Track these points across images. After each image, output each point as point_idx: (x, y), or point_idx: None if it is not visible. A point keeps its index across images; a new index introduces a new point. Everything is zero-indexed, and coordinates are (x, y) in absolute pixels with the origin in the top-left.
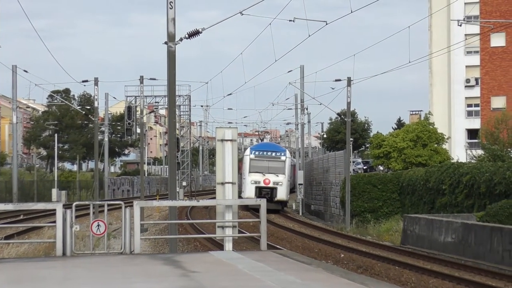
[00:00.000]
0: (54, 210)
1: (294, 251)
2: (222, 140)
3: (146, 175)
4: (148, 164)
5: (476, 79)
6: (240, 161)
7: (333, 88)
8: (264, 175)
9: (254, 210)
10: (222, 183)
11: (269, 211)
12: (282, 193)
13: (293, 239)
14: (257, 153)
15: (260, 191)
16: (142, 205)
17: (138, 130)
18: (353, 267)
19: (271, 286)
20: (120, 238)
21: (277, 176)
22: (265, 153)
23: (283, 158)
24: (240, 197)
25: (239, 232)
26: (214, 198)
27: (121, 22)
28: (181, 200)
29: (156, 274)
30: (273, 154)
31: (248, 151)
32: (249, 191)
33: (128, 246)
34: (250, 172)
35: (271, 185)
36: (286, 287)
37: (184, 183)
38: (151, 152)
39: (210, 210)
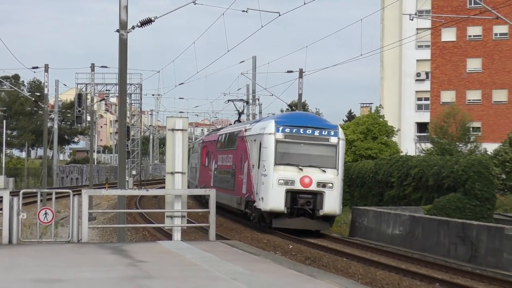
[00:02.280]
0: (1, 197)
1: (242, 242)
2: (172, 130)
3: (95, 164)
4: (98, 152)
5: (427, 73)
6: (227, 140)
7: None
8: (301, 169)
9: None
10: (172, 173)
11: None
12: (332, 203)
13: (242, 230)
14: (288, 130)
15: (295, 199)
16: (91, 193)
17: (88, 118)
18: (301, 258)
19: (219, 277)
20: (68, 227)
21: (324, 172)
22: (302, 130)
23: (333, 140)
24: (252, 206)
25: (188, 222)
26: (164, 187)
27: (74, 8)
28: (130, 189)
29: (103, 263)
30: (317, 132)
31: (270, 127)
32: (275, 199)
33: (75, 235)
34: (276, 164)
35: (313, 187)
36: (234, 277)
37: (134, 172)
38: (101, 140)
39: (159, 199)
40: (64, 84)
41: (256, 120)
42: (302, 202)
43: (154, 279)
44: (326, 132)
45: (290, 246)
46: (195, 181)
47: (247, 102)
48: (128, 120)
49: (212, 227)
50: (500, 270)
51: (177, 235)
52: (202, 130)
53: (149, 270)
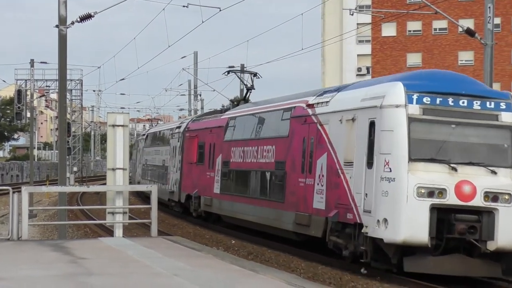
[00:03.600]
0: None
1: (185, 238)
2: (113, 126)
3: (36, 160)
4: (39, 149)
5: (367, 68)
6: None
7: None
8: (454, 170)
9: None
10: (113, 169)
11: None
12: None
13: (184, 226)
14: (428, 99)
15: (448, 223)
16: (31, 190)
17: (28, 115)
18: (243, 254)
19: (161, 273)
20: (8, 224)
21: (495, 174)
22: (451, 100)
23: (507, 117)
24: (349, 234)
25: (130, 218)
26: (106, 183)
27: (13, 4)
28: (71, 185)
29: (43, 260)
30: (477, 104)
31: (396, 93)
32: (412, 222)
33: (15, 232)
34: (412, 159)
35: (478, 201)
36: (175, 273)
37: (75, 169)
38: (41, 136)
39: (101, 196)
40: (3, 80)
41: (332, 88)
42: (461, 228)
43: (94, 276)
44: (493, 103)
45: (233, 242)
46: (165, 186)
47: (255, 75)
48: (68, 116)
49: (154, 223)
50: None
51: (118, 232)
52: (144, 125)
53: (89, 267)
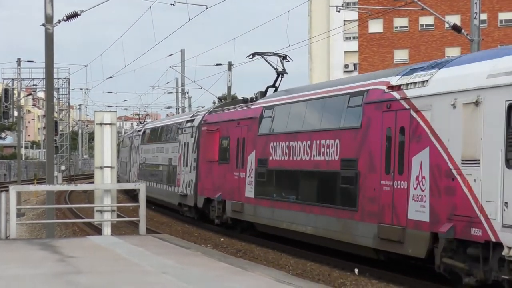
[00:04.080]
0: None
1: (173, 236)
2: (101, 124)
3: (23, 159)
4: (26, 147)
5: (355, 65)
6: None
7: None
8: None
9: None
10: (101, 167)
11: None
12: None
13: (173, 224)
14: None
15: None
16: (19, 189)
17: (16, 113)
18: (232, 251)
19: (149, 271)
20: None
21: None
22: None
23: None
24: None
25: (118, 216)
26: (93, 182)
27: None
28: (59, 184)
29: (32, 259)
30: None
31: None
32: None
33: (3, 231)
34: None
35: None
36: (164, 271)
37: (63, 167)
38: (29, 135)
39: (89, 194)
40: None
41: (424, 65)
42: None
43: (83, 275)
44: None
45: (221, 239)
46: (173, 188)
47: (285, 57)
48: (56, 114)
49: (143, 221)
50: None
51: (107, 230)
52: (131, 124)
53: (78, 265)
